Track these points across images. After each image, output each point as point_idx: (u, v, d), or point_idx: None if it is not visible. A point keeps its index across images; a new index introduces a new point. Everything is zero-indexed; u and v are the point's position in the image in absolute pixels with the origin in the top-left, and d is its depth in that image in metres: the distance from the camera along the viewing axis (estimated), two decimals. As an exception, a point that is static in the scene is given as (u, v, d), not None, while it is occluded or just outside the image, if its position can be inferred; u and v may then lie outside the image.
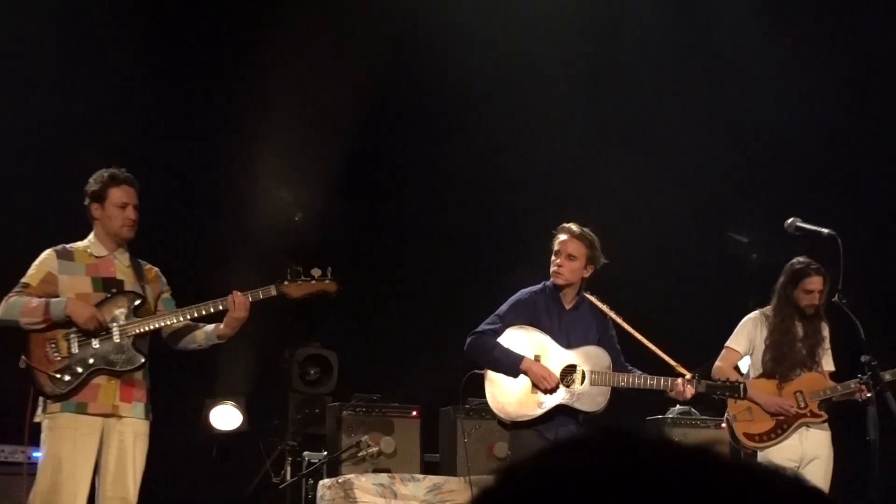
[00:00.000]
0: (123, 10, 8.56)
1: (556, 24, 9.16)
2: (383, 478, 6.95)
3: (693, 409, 8.11)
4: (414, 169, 9.37)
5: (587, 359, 6.10)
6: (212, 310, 5.79)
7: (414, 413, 7.78)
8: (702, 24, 9.29)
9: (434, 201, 9.27)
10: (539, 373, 6.04)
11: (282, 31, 8.52)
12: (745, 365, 6.89)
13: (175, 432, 6.59)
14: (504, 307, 6.23)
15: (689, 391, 6.04)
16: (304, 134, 8.53)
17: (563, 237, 6.15)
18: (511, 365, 6.07)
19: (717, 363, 6.71)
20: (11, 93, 8.17)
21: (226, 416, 8.36)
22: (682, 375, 6.04)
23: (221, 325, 5.85)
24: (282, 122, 8.48)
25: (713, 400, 6.59)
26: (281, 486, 7.85)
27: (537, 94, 9.26)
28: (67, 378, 5.67)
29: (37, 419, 5.73)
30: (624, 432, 1.25)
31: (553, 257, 6.15)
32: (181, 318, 5.82)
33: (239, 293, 5.77)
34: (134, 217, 5.85)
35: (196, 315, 5.83)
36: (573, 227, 6.17)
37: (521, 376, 6.06)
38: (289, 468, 7.99)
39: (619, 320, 6.20)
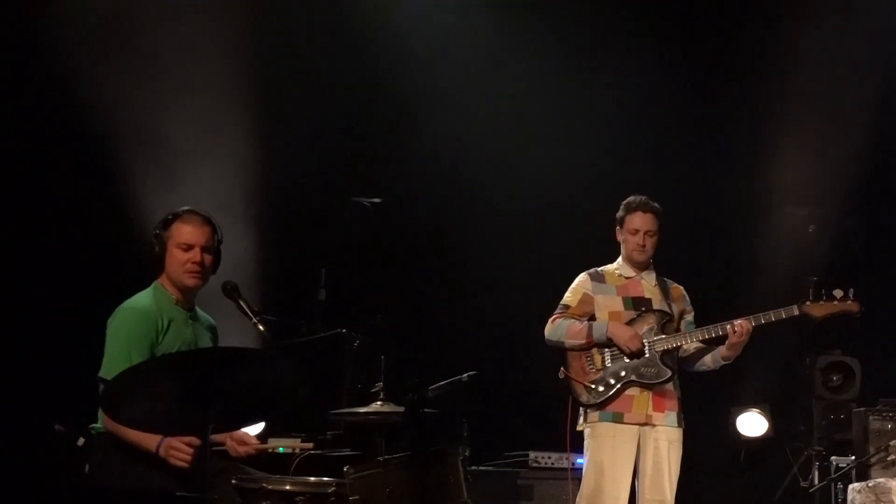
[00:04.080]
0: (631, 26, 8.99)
1: None
2: (918, 482, 6.86)
3: None
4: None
5: None
6: (719, 333, 6.09)
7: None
8: None
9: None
10: None
11: (793, 46, 8.60)
12: None
13: (705, 439, 6.87)
14: None
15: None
16: (816, 147, 8.57)
17: None
18: None
19: None
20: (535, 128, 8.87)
21: (752, 423, 8.54)
22: None
23: (724, 348, 6.15)
24: (794, 135, 8.58)
25: None
26: (810, 491, 7.97)
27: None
28: (601, 389, 6.17)
29: (579, 428, 6.25)
30: None
31: None
32: (696, 339, 6.18)
33: (740, 321, 6.04)
34: (646, 243, 6.28)
35: (706, 336, 6.16)
36: None
37: None
38: (816, 473, 8.08)
39: None
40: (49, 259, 7.38)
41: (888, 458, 7.42)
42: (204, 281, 5.19)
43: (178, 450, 4.75)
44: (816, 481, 8.00)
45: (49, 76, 7.39)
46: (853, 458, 7.71)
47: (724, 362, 6.21)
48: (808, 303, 6.09)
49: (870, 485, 6.83)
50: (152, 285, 5.21)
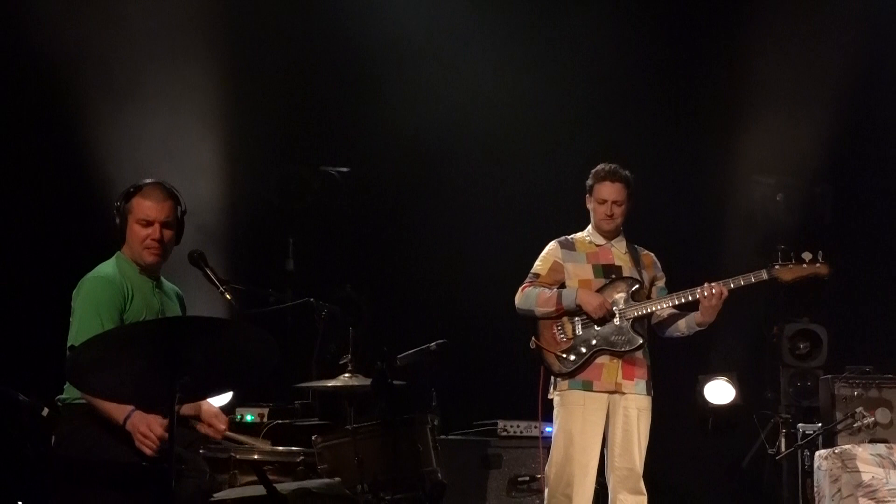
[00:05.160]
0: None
1: None
2: (881, 448, 6.88)
3: None
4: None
5: None
6: (690, 298, 6.10)
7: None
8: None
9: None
10: None
11: (766, 15, 8.58)
12: None
13: (672, 407, 6.89)
14: None
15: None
16: (784, 117, 8.57)
17: None
18: None
19: None
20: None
21: (719, 391, 8.55)
22: None
23: (698, 314, 6.15)
24: (764, 104, 8.57)
25: None
26: (778, 458, 8.01)
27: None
28: (572, 357, 6.17)
29: (549, 397, 6.28)
30: None
31: None
32: (668, 304, 6.17)
33: (711, 284, 6.04)
34: (614, 212, 6.26)
35: (678, 302, 6.16)
36: None
37: None
38: (783, 440, 8.12)
39: None
40: (11, 227, 7.30)
41: (854, 425, 7.46)
42: (164, 258, 5.13)
43: (146, 437, 4.68)
44: (783, 448, 8.02)
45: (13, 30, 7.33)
46: (820, 425, 7.73)
47: (698, 328, 6.21)
48: (777, 266, 6.10)
49: (836, 451, 6.85)
50: (115, 255, 5.15)
